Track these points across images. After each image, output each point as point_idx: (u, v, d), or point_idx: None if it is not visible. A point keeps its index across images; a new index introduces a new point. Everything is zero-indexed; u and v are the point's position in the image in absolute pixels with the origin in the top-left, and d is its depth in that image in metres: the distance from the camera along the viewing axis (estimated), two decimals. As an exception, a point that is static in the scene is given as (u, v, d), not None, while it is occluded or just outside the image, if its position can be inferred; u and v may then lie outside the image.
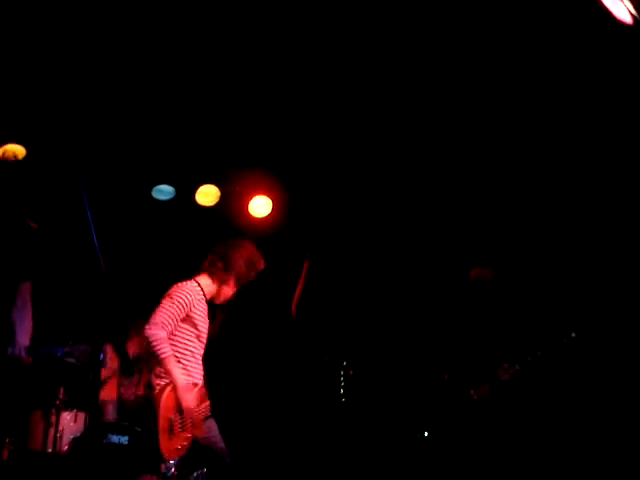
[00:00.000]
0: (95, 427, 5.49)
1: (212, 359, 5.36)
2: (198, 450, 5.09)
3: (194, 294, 5.08)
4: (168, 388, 4.91)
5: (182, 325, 5.03)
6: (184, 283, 5.13)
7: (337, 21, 5.65)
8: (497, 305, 5.87)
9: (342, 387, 6.50)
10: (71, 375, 6.30)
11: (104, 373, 6.30)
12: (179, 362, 4.98)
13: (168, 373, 4.88)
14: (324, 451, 6.64)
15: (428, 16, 5.55)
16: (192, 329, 5.08)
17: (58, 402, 6.05)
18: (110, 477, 5.04)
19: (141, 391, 6.15)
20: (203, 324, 5.14)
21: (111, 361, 6.50)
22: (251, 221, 7.41)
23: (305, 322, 6.65)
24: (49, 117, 6.53)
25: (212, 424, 5.17)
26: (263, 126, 6.78)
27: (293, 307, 6.66)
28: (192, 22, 5.71)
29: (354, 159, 6.98)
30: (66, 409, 6.07)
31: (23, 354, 4.61)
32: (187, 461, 5.81)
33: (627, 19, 4.37)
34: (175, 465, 5.74)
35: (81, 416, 6.08)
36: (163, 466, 5.02)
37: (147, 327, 4.87)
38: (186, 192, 7.36)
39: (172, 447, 4.85)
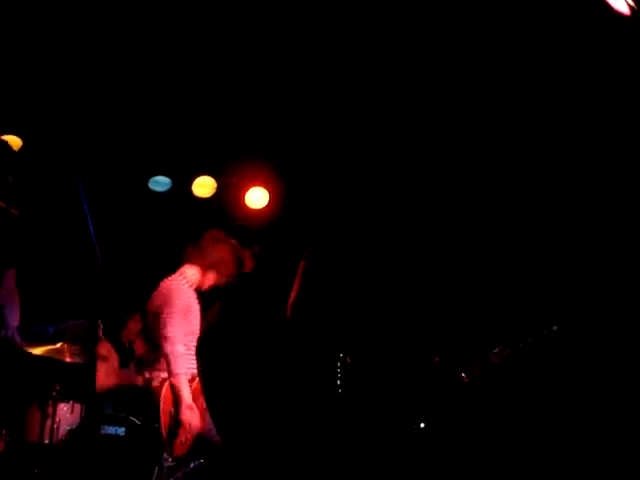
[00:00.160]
0: (91, 418, 5.49)
1: (207, 351, 5.35)
2: (195, 442, 5.09)
3: (184, 291, 5.15)
4: (167, 382, 4.96)
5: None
6: (172, 281, 5.19)
7: (335, 13, 5.63)
8: (489, 287, 5.90)
9: (339, 378, 6.50)
10: (67, 371, 6.31)
11: (102, 368, 6.32)
12: None
13: (176, 390, 4.92)
14: (321, 443, 6.64)
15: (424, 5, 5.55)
16: (190, 323, 5.11)
17: (54, 393, 6.05)
18: (107, 468, 5.04)
19: (140, 382, 6.18)
20: (195, 315, 5.17)
21: (109, 353, 6.51)
22: (248, 213, 7.40)
23: (300, 318, 6.65)
24: (45, 107, 6.51)
25: (206, 415, 5.17)
26: (260, 117, 6.77)
27: (288, 308, 6.65)
28: (189, 14, 5.69)
29: (351, 150, 6.96)
30: (62, 400, 6.07)
31: (17, 337, 4.59)
32: (185, 452, 5.82)
33: (625, 10, 4.36)
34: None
35: (77, 407, 6.08)
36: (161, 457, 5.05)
37: (164, 345, 4.95)
38: (182, 183, 7.35)
39: (177, 441, 4.90)
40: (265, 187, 7.44)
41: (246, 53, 6.08)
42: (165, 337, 4.97)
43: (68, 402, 6.08)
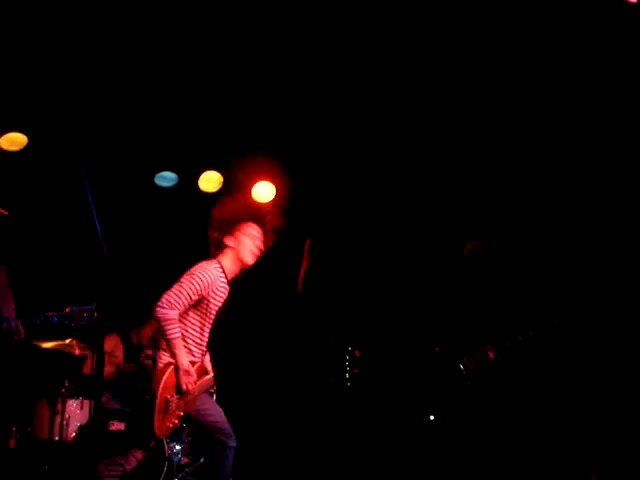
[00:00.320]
0: (99, 414, 5.50)
1: (217, 342, 5.34)
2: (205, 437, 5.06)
3: (215, 277, 4.98)
4: (170, 368, 4.88)
5: (194, 306, 4.95)
6: (207, 262, 5.04)
7: (338, 10, 5.62)
8: (491, 280, 5.87)
9: (347, 372, 6.50)
10: (75, 364, 6.32)
11: (108, 366, 6.33)
12: (184, 340, 4.93)
13: (173, 355, 4.85)
14: (328, 437, 6.65)
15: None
16: (204, 309, 4.99)
17: (64, 390, 6.06)
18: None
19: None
20: (217, 305, 5.02)
21: (115, 348, 6.51)
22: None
23: (311, 301, 6.64)
24: (51, 102, 6.50)
25: (207, 399, 5.11)
26: (266, 112, 6.75)
27: (299, 284, 6.64)
28: (193, 9, 5.68)
29: (356, 144, 6.95)
30: (72, 397, 6.08)
31: (20, 326, 4.60)
32: (195, 448, 5.83)
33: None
34: (182, 451, 5.77)
35: (87, 403, 6.09)
36: (153, 443, 5.03)
37: (158, 306, 4.83)
38: (189, 178, 7.34)
39: (164, 426, 4.82)
40: (272, 181, 7.42)
41: (251, 48, 6.07)
42: (164, 299, 4.83)
43: (77, 398, 6.10)
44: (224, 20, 5.79)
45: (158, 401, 4.77)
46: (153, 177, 7.27)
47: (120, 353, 6.53)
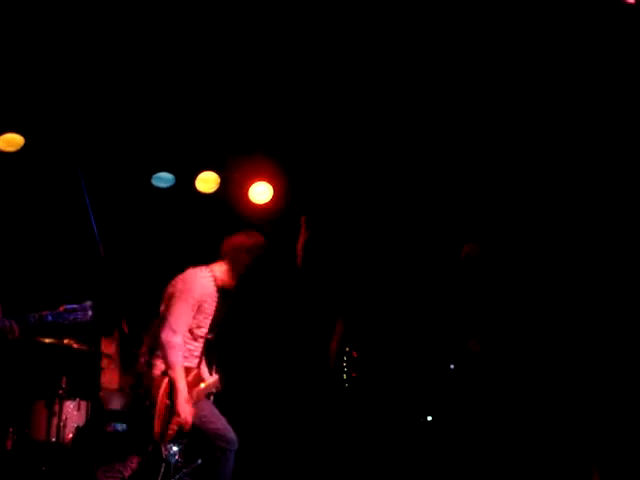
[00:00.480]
0: (98, 416, 5.49)
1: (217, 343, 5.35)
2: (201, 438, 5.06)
3: (205, 287, 5.08)
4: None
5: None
6: (197, 272, 5.13)
7: (337, 10, 5.62)
8: (487, 282, 5.89)
9: (345, 372, 6.50)
10: (73, 360, 6.30)
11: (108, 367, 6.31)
12: None
13: (172, 380, 4.87)
14: (326, 438, 6.65)
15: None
16: (198, 315, 5.05)
17: (61, 391, 6.05)
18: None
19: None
20: (207, 310, 5.10)
21: (113, 345, 6.49)
22: (252, 208, 7.38)
23: (311, 273, 6.70)
24: (48, 102, 6.50)
25: (206, 405, 5.14)
26: (263, 112, 6.75)
27: (298, 258, 6.71)
28: (190, 9, 5.68)
29: (354, 144, 6.94)
30: (69, 398, 6.07)
31: (14, 324, 4.58)
32: (191, 448, 5.81)
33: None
34: (179, 452, 5.75)
35: (84, 405, 6.08)
36: (151, 447, 5.01)
37: (163, 332, 4.91)
38: (186, 179, 7.33)
39: (164, 432, 4.86)
40: (269, 182, 7.41)
41: (248, 49, 6.06)
42: (168, 325, 4.92)
43: (74, 400, 6.08)
44: (221, 21, 5.79)
45: (158, 407, 4.81)
46: (150, 178, 7.27)
47: (112, 349, 6.51)
